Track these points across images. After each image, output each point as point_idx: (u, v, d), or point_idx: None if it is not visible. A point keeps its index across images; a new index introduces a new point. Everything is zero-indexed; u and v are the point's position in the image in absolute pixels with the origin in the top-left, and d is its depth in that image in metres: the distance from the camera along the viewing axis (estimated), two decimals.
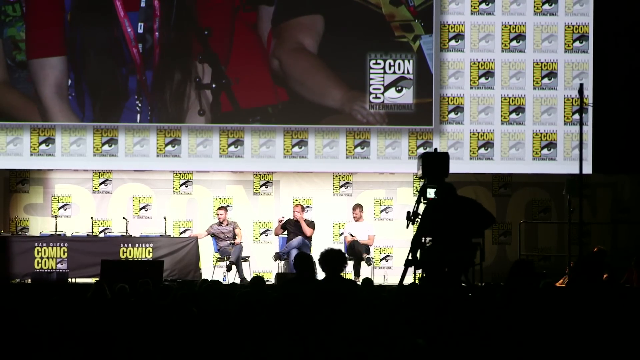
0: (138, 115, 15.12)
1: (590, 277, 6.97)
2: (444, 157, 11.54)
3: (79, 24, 15.00)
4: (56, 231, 14.75)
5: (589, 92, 15.11)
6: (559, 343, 6.12)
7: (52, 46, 15.02)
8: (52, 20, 15.01)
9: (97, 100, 15.10)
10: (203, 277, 14.00)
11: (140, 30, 14.99)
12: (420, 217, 10.45)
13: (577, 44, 15.27)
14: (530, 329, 6.36)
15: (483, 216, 9.92)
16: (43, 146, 15.20)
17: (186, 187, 15.83)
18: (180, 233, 15.63)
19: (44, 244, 14.46)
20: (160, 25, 15.00)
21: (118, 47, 15.02)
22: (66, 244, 14.47)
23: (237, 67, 15.11)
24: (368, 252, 14.78)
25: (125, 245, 14.54)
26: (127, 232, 14.86)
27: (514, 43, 15.29)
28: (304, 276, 8.19)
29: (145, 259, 14.36)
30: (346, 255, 14.61)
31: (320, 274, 8.07)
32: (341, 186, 15.87)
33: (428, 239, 10.37)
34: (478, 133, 15.32)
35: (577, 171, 13.46)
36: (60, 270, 14.21)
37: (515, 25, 15.29)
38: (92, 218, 15.26)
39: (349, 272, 14.68)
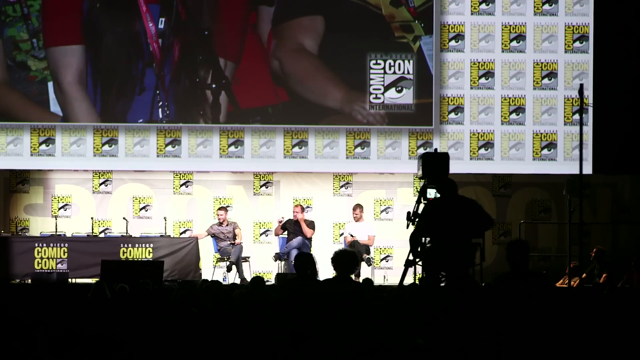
0: (159, 111, 15.08)
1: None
2: (444, 158, 11.53)
3: (99, 14, 15.00)
4: (56, 231, 14.75)
5: (589, 92, 15.11)
6: (560, 342, 6.12)
7: (70, 34, 15.01)
8: (70, 8, 15.01)
9: (109, 92, 15.09)
10: (203, 277, 14.00)
11: (161, 26, 14.98)
12: (420, 214, 10.42)
13: (577, 44, 15.27)
14: (533, 327, 6.36)
15: (482, 218, 9.89)
16: (43, 146, 15.20)
17: (186, 187, 15.83)
18: (181, 233, 15.63)
19: (44, 244, 14.46)
20: (178, 23, 15.02)
21: (137, 40, 15.01)
22: (66, 244, 14.47)
23: (238, 68, 15.10)
24: (368, 252, 14.77)
25: (126, 245, 14.54)
26: (127, 233, 14.86)
27: (514, 43, 15.29)
28: (305, 276, 8.21)
29: (146, 259, 14.35)
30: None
31: (322, 274, 8.09)
32: (341, 186, 15.87)
33: (428, 239, 10.36)
34: (478, 133, 15.32)
35: (577, 171, 13.45)
36: (61, 271, 14.21)
37: (515, 26, 15.29)
38: (92, 218, 15.25)
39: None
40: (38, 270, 14.19)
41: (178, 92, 15.10)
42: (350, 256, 8.08)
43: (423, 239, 10.20)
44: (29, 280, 13.94)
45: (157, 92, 15.05)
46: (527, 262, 6.97)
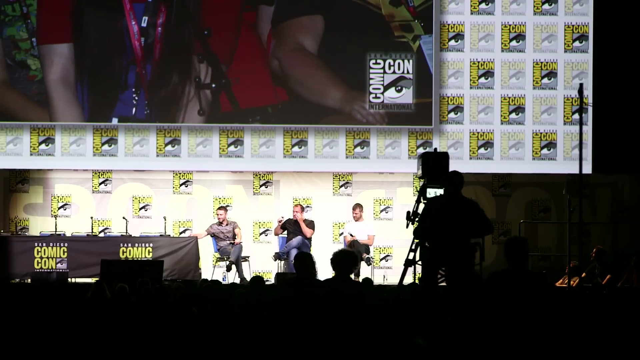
0: (134, 109, 15.10)
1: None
2: (443, 157, 11.53)
3: (85, 11, 15.01)
4: (56, 231, 14.74)
5: (588, 92, 15.11)
6: (559, 343, 6.12)
7: (60, 33, 15.02)
8: (62, 6, 15.01)
9: (94, 89, 15.09)
10: (203, 277, 14.00)
11: (144, 24, 14.99)
12: (422, 211, 10.40)
13: (577, 43, 15.27)
14: (532, 327, 6.35)
15: (483, 224, 9.88)
16: (43, 146, 15.20)
17: (186, 187, 15.83)
18: (180, 233, 15.63)
19: (44, 244, 14.46)
20: (164, 22, 15.01)
21: (120, 38, 15.02)
22: (66, 244, 14.47)
23: (237, 67, 15.10)
24: (368, 252, 14.77)
25: (125, 245, 14.54)
26: (127, 232, 14.86)
27: (513, 43, 15.28)
28: (304, 276, 8.20)
29: (145, 259, 14.35)
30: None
31: (321, 274, 8.08)
32: (341, 186, 15.87)
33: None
34: (478, 133, 15.32)
35: (577, 171, 13.44)
36: (60, 270, 14.21)
37: (515, 25, 15.29)
38: (91, 218, 15.26)
39: None
40: (38, 270, 14.19)
41: (159, 91, 15.07)
42: (349, 256, 8.05)
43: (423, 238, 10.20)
44: (29, 280, 13.94)
45: (138, 90, 15.05)
46: (526, 260, 6.87)
